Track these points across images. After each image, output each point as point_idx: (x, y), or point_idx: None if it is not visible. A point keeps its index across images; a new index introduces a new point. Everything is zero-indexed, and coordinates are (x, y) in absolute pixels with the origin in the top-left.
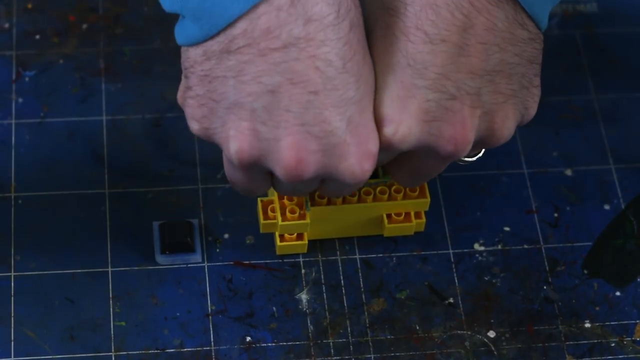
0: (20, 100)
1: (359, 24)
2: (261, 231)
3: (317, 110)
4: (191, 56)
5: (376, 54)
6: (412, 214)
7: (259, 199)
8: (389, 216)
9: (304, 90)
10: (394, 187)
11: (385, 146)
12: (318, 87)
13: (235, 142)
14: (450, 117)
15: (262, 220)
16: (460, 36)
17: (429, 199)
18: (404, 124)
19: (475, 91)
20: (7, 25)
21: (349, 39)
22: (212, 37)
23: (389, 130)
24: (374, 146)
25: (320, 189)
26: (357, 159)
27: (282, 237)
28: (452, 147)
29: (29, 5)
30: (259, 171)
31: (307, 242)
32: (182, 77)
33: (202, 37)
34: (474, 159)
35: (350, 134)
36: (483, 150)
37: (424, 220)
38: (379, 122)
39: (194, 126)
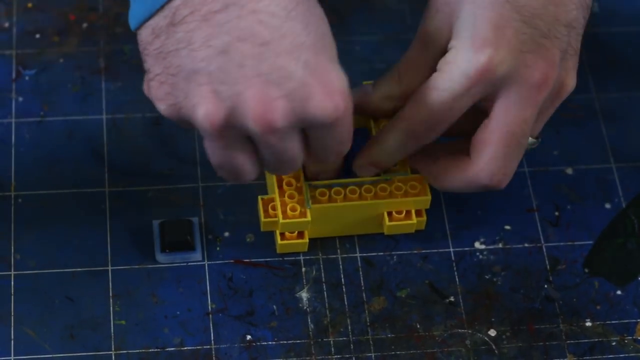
0: (20, 99)
1: None
2: (262, 229)
3: (271, 60)
4: (143, 38)
5: None
6: (413, 212)
7: (259, 197)
8: (389, 214)
9: (253, 44)
10: (394, 185)
11: (481, 71)
12: (266, 38)
13: (201, 107)
14: (543, 53)
15: (262, 219)
16: None
17: (429, 197)
18: (502, 49)
19: (561, 36)
20: (7, 25)
21: None
22: (157, 13)
23: (487, 52)
24: (338, 83)
25: (309, 149)
26: (324, 95)
27: (282, 235)
28: (543, 79)
29: (29, 5)
30: (235, 137)
31: (307, 240)
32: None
33: (147, 13)
34: (539, 140)
35: (310, 75)
36: (540, 137)
37: (424, 218)
38: (476, 47)
39: (161, 106)
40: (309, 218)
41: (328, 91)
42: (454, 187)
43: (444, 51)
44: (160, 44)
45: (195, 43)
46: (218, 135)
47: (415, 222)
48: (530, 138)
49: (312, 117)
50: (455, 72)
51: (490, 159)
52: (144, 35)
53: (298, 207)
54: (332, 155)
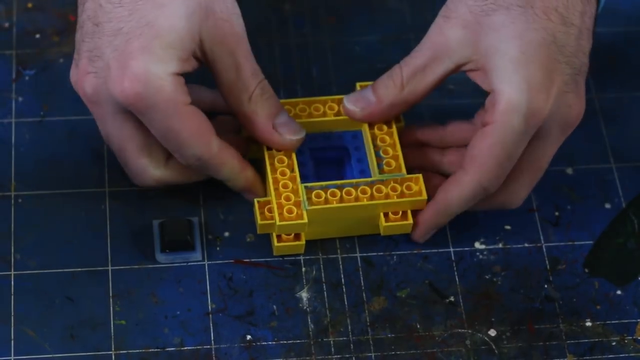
0: (20, 99)
1: None
2: (258, 232)
3: (96, 39)
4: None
5: (517, 30)
6: (409, 212)
7: (255, 200)
8: (385, 215)
9: (92, 23)
10: (390, 186)
11: (537, 116)
12: (99, 20)
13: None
14: (578, 90)
15: (259, 221)
16: (580, 21)
17: (425, 197)
18: (554, 93)
19: (585, 69)
20: (7, 25)
21: None
22: None
23: (543, 97)
24: (134, 70)
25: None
26: (117, 78)
27: (279, 237)
28: (578, 118)
29: (29, 5)
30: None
31: (304, 242)
32: None
33: None
34: None
35: (114, 58)
36: None
37: None
38: (533, 93)
39: None
40: (305, 220)
41: (121, 75)
42: (474, 208)
43: (458, 67)
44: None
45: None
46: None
47: (411, 223)
48: None
49: (111, 96)
50: (516, 120)
51: (521, 189)
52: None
53: (295, 209)
54: (177, 155)
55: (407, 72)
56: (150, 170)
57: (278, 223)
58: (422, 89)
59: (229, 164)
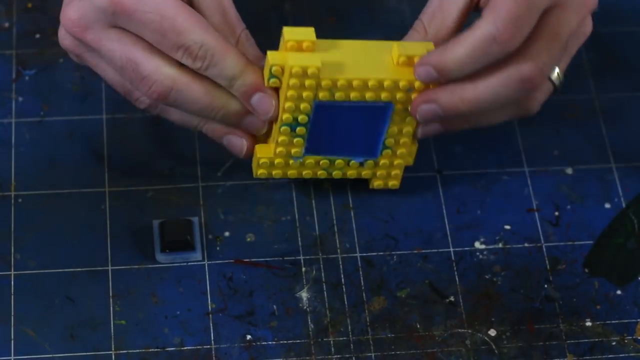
0: (20, 99)
1: None
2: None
3: None
4: None
5: None
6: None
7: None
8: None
9: None
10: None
11: None
12: None
13: None
14: None
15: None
16: None
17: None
18: None
19: None
20: (7, 25)
21: None
22: None
23: None
24: None
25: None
26: None
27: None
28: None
29: (29, 5)
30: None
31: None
32: None
33: None
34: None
35: None
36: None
37: None
38: None
39: None
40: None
41: None
42: (490, 93)
43: None
44: None
45: None
46: None
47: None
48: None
49: (99, 8)
50: None
51: (538, 54)
52: None
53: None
54: (179, 53)
55: (426, 18)
56: (164, 68)
57: (290, 54)
58: (445, 31)
59: (234, 54)
